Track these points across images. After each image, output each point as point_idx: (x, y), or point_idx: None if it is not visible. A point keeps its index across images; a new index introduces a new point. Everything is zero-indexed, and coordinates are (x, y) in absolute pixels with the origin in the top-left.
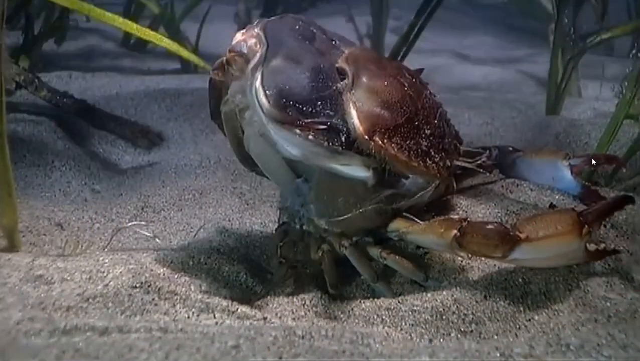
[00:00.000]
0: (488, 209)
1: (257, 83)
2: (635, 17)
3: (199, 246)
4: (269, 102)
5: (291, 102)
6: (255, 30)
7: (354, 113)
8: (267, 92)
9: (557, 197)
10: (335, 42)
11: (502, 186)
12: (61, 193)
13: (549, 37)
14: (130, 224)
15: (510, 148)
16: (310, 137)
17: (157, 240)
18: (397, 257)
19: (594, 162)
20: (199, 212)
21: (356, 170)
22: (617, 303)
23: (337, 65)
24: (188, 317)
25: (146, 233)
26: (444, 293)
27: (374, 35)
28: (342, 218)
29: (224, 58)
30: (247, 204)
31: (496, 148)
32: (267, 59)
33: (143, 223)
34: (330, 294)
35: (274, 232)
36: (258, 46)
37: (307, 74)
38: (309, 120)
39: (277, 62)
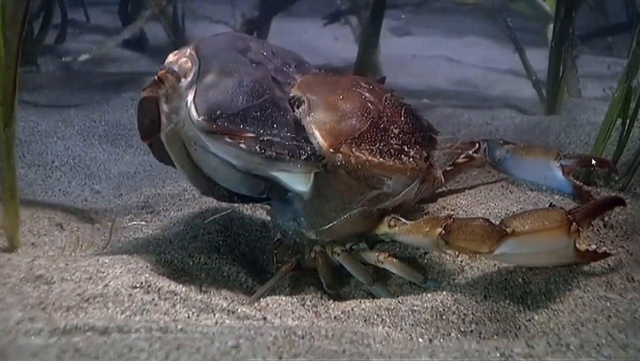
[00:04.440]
0: (488, 209)
1: (190, 99)
2: (635, 17)
3: (199, 246)
4: (198, 114)
5: (221, 113)
6: (188, 50)
7: (316, 133)
8: (197, 106)
9: (557, 197)
10: (274, 51)
11: (502, 186)
12: (61, 193)
13: (547, 37)
14: (130, 224)
15: (501, 141)
16: (241, 145)
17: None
18: (394, 260)
19: (585, 163)
20: (199, 212)
21: (295, 179)
22: (617, 303)
23: (291, 94)
24: (188, 317)
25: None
26: (444, 293)
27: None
28: (329, 225)
29: (156, 76)
30: (247, 204)
31: (485, 141)
32: (200, 76)
33: (143, 223)
34: (328, 294)
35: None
36: (190, 64)
37: (239, 85)
38: (238, 129)
39: (209, 77)
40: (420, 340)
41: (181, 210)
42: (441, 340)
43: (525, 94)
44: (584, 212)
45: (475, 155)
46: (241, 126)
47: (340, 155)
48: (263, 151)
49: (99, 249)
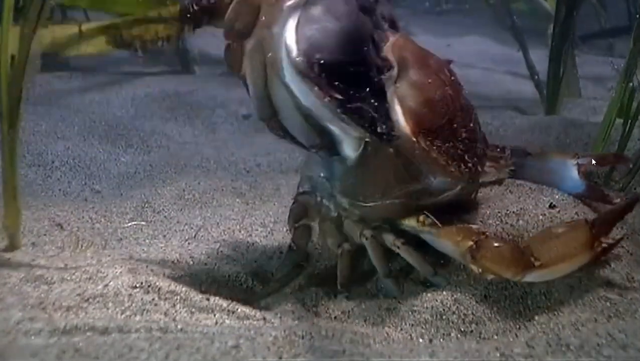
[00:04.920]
0: (488, 209)
1: (291, 25)
2: (635, 17)
3: (199, 246)
4: (297, 50)
5: (320, 59)
6: None
7: (398, 109)
8: (299, 38)
9: (557, 197)
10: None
11: (503, 186)
12: (61, 193)
13: (548, 37)
14: (130, 224)
15: (525, 151)
16: (326, 100)
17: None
18: (410, 248)
19: (601, 161)
20: (199, 212)
21: (347, 140)
22: (617, 303)
23: (382, 54)
24: (188, 317)
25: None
26: (444, 293)
27: None
28: (366, 205)
29: None
30: (247, 204)
31: (509, 148)
32: (308, 3)
33: (143, 223)
34: (337, 292)
35: (288, 213)
36: None
37: (343, 34)
38: (330, 85)
39: (317, 10)
40: (420, 340)
41: (181, 210)
42: (441, 340)
43: (525, 94)
44: (605, 222)
45: (502, 162)
46: (334, 82)
47: (417, 144)
48: (343, 115)
49: (98, 249)
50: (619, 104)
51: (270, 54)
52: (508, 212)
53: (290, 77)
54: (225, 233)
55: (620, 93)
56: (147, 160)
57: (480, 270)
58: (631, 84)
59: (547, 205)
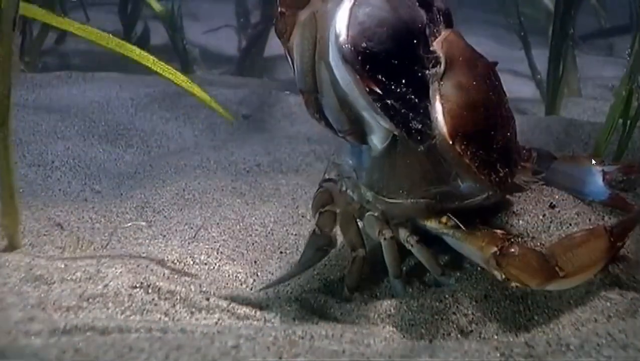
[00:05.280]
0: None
1: (346, 5)
2: (636, 17)
3: (199, 246)
4: (346, 35)
5: (366, 48)
6: None
7: (439, 108)
8: (349, 22)
9: (557, 197)
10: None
11: None
12: (61, 193)
13: (549, 37)
14: (130, 224)
15: (551, 155)
16: (365, 89)
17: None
18: (423, 246)
19: (627, 170)
20: (199, 212)
21: (377, 130)
22: (617, 303)
23: (432, 48)
24: (188, 317)
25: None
26: (444, 293)
27: None
28: (390, 201)
29: None
30: (247, 204)
31: (535, 150)
32: None
33: (143, 223)
34: (344, 296)
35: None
36: None
37: (393, 25)
38: (372, 77)
39: None
40: (420, 340)
41: (181, 210)
42: (441, 340)
43: (526, 94)
44: (624, 230)
45: (527, 164)
46: (377, 73)
47: (454, 147)
48: (378, 109)
49: (99, 249)
50: (622, 106)
51: (320, 30)
52: (508, 212)
53: (333, 59)
54: (225, 233)
55: (626, 94)
56: (147, 160)
57: (503, 276)
58: (634, 85)
59: (547, 205)
